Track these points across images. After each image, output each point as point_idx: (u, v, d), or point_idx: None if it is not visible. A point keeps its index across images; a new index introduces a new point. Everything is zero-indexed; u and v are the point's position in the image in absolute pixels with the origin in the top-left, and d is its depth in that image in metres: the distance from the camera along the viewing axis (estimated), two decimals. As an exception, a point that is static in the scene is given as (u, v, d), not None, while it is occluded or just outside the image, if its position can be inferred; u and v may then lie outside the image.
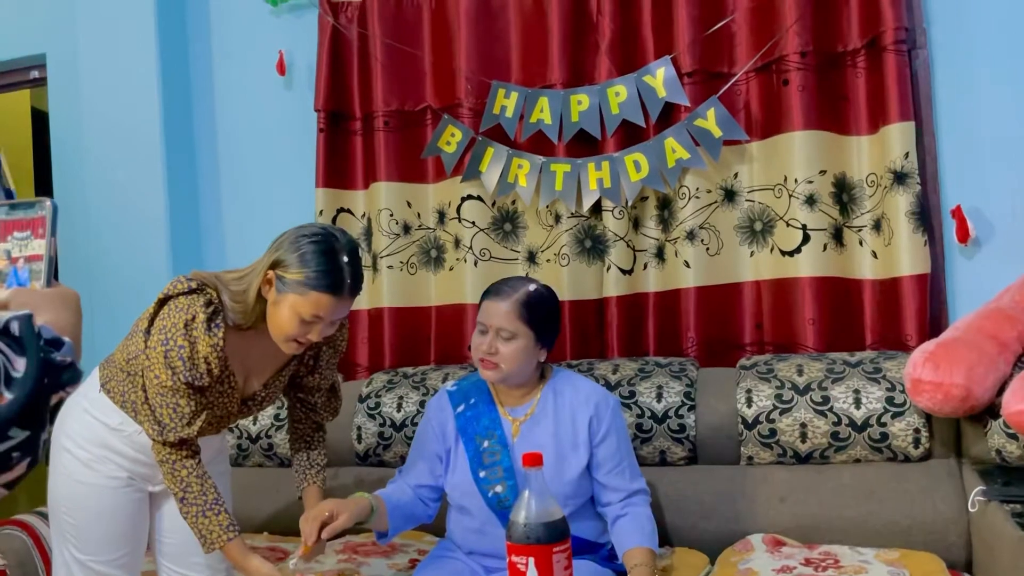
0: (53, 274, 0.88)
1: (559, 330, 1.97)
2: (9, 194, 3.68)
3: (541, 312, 1.82)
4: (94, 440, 1.70)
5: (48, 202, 0.90)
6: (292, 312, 1.58)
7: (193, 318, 1.58)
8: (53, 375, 0.70)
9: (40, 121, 3.92)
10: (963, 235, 2.26)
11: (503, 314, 1.79)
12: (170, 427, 1.60)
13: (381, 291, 2.72)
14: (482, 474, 1.82)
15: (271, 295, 1.61)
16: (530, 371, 1.86)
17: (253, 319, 1.64)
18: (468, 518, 1.87)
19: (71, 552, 1.69)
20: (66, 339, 0.74)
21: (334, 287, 1.58)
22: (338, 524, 1.63)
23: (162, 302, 1.61)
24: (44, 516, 2.25)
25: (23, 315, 0.70)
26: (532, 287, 1.86)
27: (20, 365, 0.67)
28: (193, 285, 1.61)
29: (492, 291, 1.86)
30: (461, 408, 1.90)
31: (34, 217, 0.90)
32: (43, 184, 4.03)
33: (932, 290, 2.27)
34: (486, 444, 1.84)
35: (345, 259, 1.59)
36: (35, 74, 3.26)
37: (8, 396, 0.65)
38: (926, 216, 2.27)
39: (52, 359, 0.71)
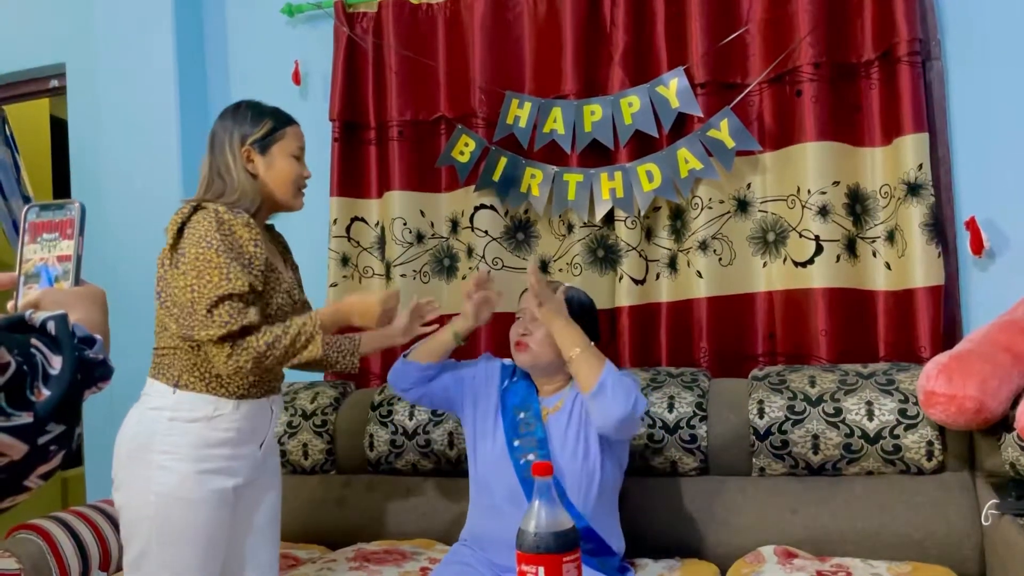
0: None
1: (596, 333, 2.05)
2: (28, 201, 3.73)
3: (572, 306, 1.95)
4: (196, 444, 1.66)
5: (76, 203, 0.92)
6: (285, 156, 1.79)
7: (217, 215, 1.66)
8: (87, 372, 0.73)
9: (59, 129, 3.97)
10: (977, 247, 2.25)
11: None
12: (229, 315, 1.61)
13: (394, 299, 2.73)
14: (516, 443, 1.92)
15: (259, 165, 1.78)
16: (560, 363, 1.93)
17: (256, 202, 1.76)
18: (488, 496, 1.93)
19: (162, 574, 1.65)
20: (97, 337, 0.77)
21: (290, 117, 1.84)
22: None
23: (180, 229, 1.66)
24: (59, 521, 2.27)
25: (58, 315, 0.73)
26: (567, 285, 2.04)
27: (56, 363, 0.70)
28: (194, 204, 1.70)
29: None
30: (506, 383, 2.03)
31: (63, 219, 0.92)
32: (62, 192, 4.08)
33: (946, 302, 2.27)
34: (522, 415, 1.95)
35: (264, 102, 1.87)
36: (55, 83, 3.30)
37: (46, 392, 0.68)
38: (940, 227, 2.26)
39: (86, 356, 0.74)
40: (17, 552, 2.14)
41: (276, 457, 1.93)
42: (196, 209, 1.68)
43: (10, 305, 0.91)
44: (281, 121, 1.82)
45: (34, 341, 0.70)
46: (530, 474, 1.84)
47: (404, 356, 2.08)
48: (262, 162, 1.78)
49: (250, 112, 1.80)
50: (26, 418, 0.65)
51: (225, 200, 1.72)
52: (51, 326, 0.72)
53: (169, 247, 1.69)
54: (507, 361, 2.10)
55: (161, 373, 1.72)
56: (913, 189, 2.24)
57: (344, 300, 1.82)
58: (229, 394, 1.70)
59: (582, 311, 2.00)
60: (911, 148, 2.24)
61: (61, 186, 4.06)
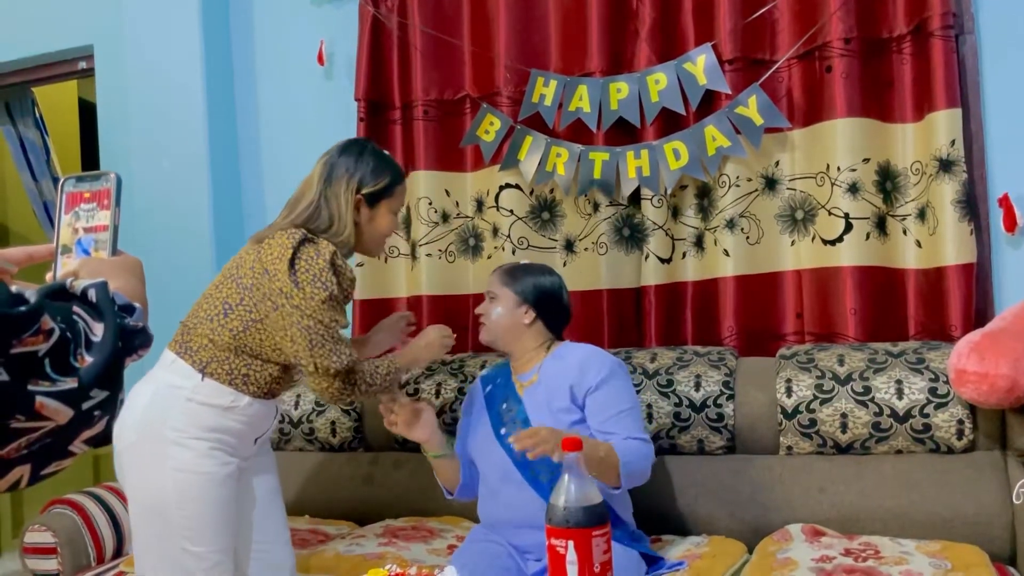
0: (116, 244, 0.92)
1: (554, 301, 2.04)
2: (57, 182, 3.76)
3: (519, 275, 2.03)
4: (206, 426, 1.72)
5: (112, 174, 0.93)
6: (389, 213, 1.89)
7: (332, 255, 1.74)
8: (127, 339, 0.74)
9: (87, 112, 4.00)
10: (1010, 224, 2.21)
11: (490, 280, 2.06)
12: (344, 352, 1.74)
13: (420, 279, 2.74)
14: (503, 431, 1.96)
15: (363, 215, 1.85)
16: (519, 333, 2.00)
17: (351, 246, 1.85)
18: (485, 484, 1.99)
19: (184, 546, 1.69)
20: (137, 305, 0.77)
21: (403, 172, 1.93)
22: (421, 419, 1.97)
23: (292, 260, 1.71)
24: (93, 496, 2.31)
25: (99, 282, 0.74)
26: (523, 261, 2.16)
27: (98, 330, 0.71)
28: (304, 233, 1.75)
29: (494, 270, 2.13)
30: (489, 388, 2.07)
31: (99, 189, 0.93)
32: (90, 173, 4.12)
33: (978, 280, 2.23)
34: (504, 406, 1.99)
35: (384, 150, 1.94)
36: (83, 65, 3.32)
37: (89, 359, 0.68)
38: (972, 205, 2.23)
39: (126, 324, 0.74)
40: (53, 526, 2.19)
41: (268, 447, 1.98)
42: (306, 241, 1.74)
43: (49, 276, 0.92)
44: (397, 178, 1.89)
45: (76, 309, 0.71)
46: (519, 454, 1.84)
47: (450, 494, 2.08)
48: (367, 214, 1.86)
49: (372, 161, 1.86)
50: (71, 383, 0.66)
51: (330, 239, 1.79)
52: (92, 294, 0.73)
53: (282, 274, 1.71)
54: (483, 372, 2.18)
55: (190, 354, 1.75)
56: (945, 166, 2.21)
57: (407, 348, 1.98)
58: (248, 392, 1.77)
59: (525, 273, 2.02)
60: (943, 124, 2.21)
61: (90, 168, 4.10)
